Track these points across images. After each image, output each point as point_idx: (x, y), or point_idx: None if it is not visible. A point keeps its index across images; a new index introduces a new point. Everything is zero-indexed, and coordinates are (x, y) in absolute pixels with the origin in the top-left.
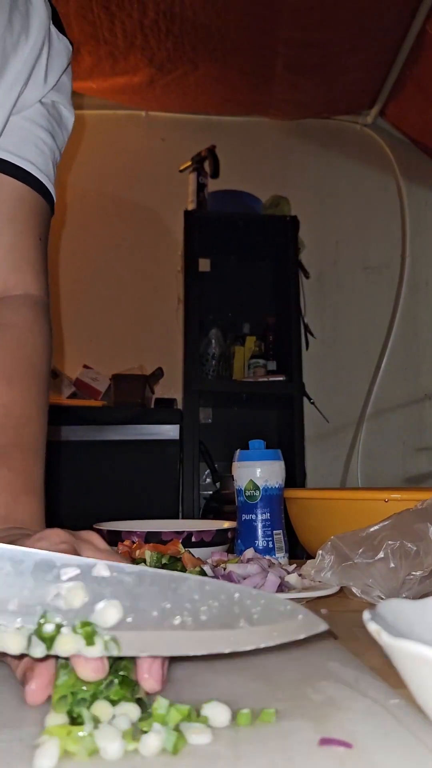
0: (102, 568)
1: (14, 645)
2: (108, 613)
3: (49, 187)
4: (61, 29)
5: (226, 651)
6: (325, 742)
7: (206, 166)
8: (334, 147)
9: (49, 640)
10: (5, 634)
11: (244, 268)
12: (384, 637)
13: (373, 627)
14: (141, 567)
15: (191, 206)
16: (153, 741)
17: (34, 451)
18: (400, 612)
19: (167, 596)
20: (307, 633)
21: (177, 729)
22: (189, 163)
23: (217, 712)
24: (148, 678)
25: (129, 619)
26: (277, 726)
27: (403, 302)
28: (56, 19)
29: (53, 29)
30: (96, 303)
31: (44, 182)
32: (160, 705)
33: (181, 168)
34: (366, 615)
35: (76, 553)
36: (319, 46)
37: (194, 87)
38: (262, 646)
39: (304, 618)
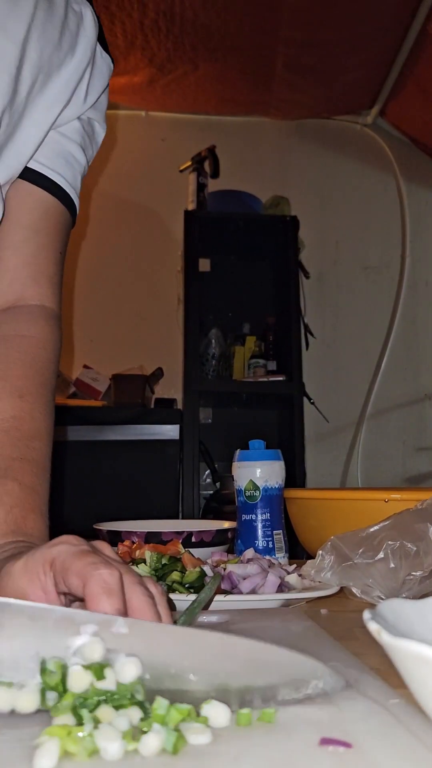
0: (121, 625)
1: (28, 703)
2: (127, 669)
3: (75, 201)
4: (105, 47)
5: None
6: (326, 741)
7: (206, 166)
8: (334, 147)
9: (59, 684)
10: (20, 693)
11: (244, 268)
12: (384, 637)
13: (373, 627)
14: (159, 625)
15: (191, 206)
16: (153, 741)
17: (43, 467)
18: (401, 612)
19: (185, 652)
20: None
21: (177, 729)
22: (189, 163)
23: (217, 713)
24: None
25: (147, 676)
26: (277, 726)
27: (403, 302)
28: (101, 37)
29: (98, 48)
30: (96, 303)
31: (71, 195)
32: (160, 705)
33: (181, 168)
34: (366, 614)
35: (94, 553)
36: (319, 46)
37: (194, 87)
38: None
39: (326, 679)
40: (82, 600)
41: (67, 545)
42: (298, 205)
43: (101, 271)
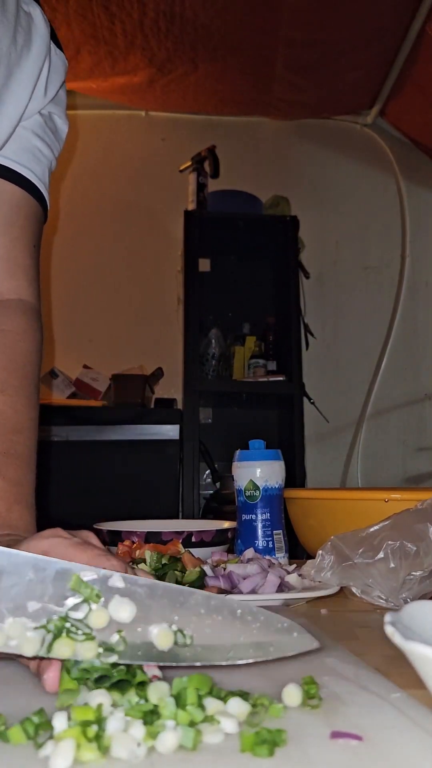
0: (117, 579)
1: (30, 648)
2: (122, 609)
3: (45, 195)
4: (58, 45)
5: (224, 663)
6: (336, 735)
7: (206, 166)
8: (334, 147)
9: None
10: (23, 638)
11: (244, 268)
12: (397, 639)
13: (389, 629)
14: (153, 580)
15: (191, 206)
16: (170, 738)
17: (27, 460)
18: (423, 615)
19: (175, 609)
20: (299, 650)
21: (192, 725)
22: (189, 163)
23: (235, 706)
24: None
25: (139, 629)
26: (287, 721)
27: (403, 302)
28: (54, 36)
29: (52, 45)
30: (96, 303)
31: (41, 190)
32: (167, 704)
33: (181, 168)
34: (387, 617)
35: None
36: (319, 46)
37: (194, 87)
38: (258, 660)
39: (298, 636)
40: None
41: (59, 538)
42: (298, 205)
43: (101, 271)
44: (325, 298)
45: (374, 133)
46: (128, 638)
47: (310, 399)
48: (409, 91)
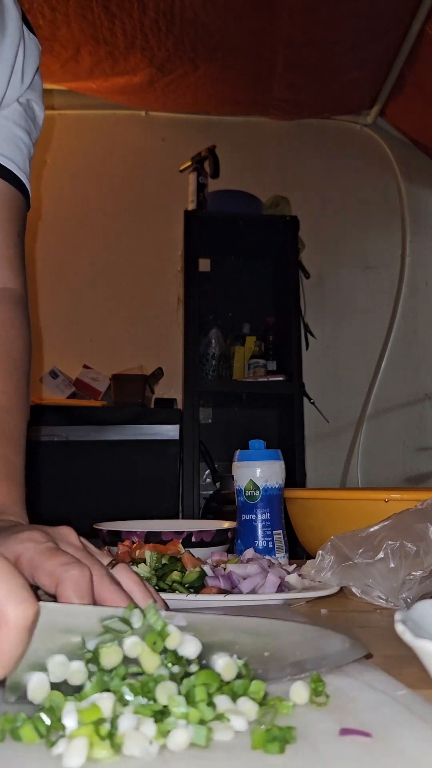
0: (180, 618)
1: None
2: (189, 647)
3: (27, 184)
4: (30, 28)
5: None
6: (346, 732)
7: (206, 166)
8: (334, 147)
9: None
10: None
11: (244, 268)
12: (407, 637)
13: (399, 627)
14: (213, 617)
15: (191, 206)
16: (182, 736)
17: (16, 440)
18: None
19: (236, 636)
20: (351, 659)
21: (203, 722)
22: (189, 163)
23: (244, 704)
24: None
25: (204, 661)
26: (295, 718)
27: (403, 302)
28: (25, 18)
29: (25, 28)
30: (96, 303)
31: (23, 179)
32: (178, 704)
33: (181, 168)
34: (397, 615)
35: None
36: (319, 45)
37: (194, 87)
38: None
39: (350, 646)
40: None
41: (33, 543)
42: (298, 205)
43: (101, 271)
44: (325, 298)
45: (374, 133)
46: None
47: (310, 399)
48: (409, 91)
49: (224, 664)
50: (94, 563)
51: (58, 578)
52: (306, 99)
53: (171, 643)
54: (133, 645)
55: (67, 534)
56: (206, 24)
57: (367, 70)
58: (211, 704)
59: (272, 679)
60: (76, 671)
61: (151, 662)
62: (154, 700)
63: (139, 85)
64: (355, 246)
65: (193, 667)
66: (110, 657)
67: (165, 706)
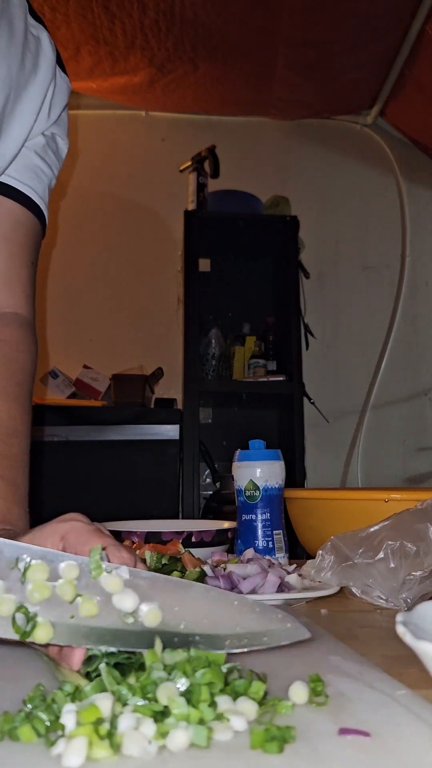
0: (123, 571)
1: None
2: (125, 599)
3: (44, 212)
4: (63, 68)
5: (220, 652)
6: (344, 731)
7: (206, 166)
8: (334, 147)
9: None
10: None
11: (244, 268)
12: (408, 639)
13: (400, 629)
14: (155, 574)
15: (191, 206)
16: (182, 736)
17: (22, 463)
18: None
19: (176, 599)
20: (292, 640)
21: (202, 722)
22: (189, 163)
23: (244, 705)
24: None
25: (139, 619)
26: (294, 718)
27: (403, 302)
28: (59, 60)
29: (57, 69)
30: (96, 303)
31: (41, 207)
32: (179, 705)
33: (181, 168)
34: (398, 617)
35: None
36: (319, 46)
37: (194, 87)
38: (252, 649)
39: (291, 626)
40: None
41: (80, 522)
42: (298, 205)
43: (101, 271)
44: (325, 298)
45: (374, 133)
46: (127, 626)
47: (310, 399)
48: (409, 91)
49: (147, 611)
50: (130, 555)
51: (108, 556)
52: (306, 99)
53: (112, 587)
54: (68, 566)
55: (104, 528)
56: (206, 24)
57: (367, 70)
58: (212, 704)
59: (209, 649)
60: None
61: (89, 605)
62: (155, 701)
63: (139, 85)
64: (355, 246)
65: (129, 620)
66: (36, 572)
67: (165, 706)
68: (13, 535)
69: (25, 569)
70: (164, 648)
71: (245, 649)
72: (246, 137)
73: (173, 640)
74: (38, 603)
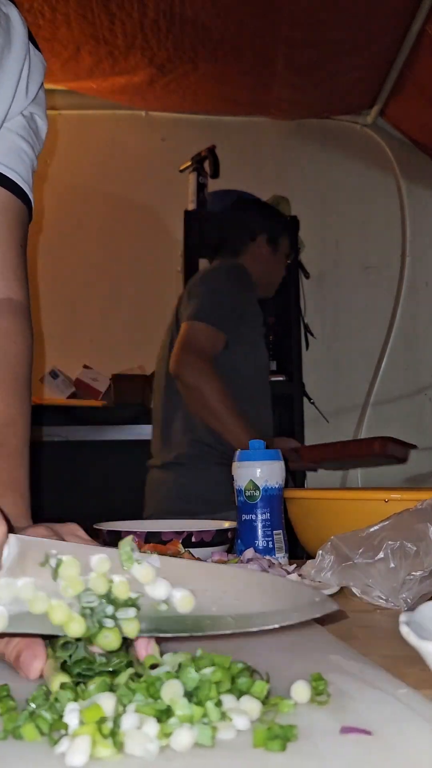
0: (154, 560)
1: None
2: (158, 587)
3: (30, 196)
4: (36, 46)
5: (254, 630)
6: (347, 730)
7: (206, 166)
8: (334, 147)
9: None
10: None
11: None
12: (412, 639)
13: (404, 629)
14: (185, 560)
15: (191, 206)
16: (186, 735)
17: (19, 452)
18: None
19: (208, 581)
20: (322, 613)
21: (207, 721)
22: (189, 163)
23: (248, 706)
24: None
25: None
26: (296, 717)
27: (403, 302)
28: (31, 36)
29: (31, 45)
30: (96, 303)
31: (26, 191)
32: (182, 706)
33: (181, 168)
34: (402, 617)
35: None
36: (319, 46)
37: (194, 87)
38: (285, 624)
39: (320, 600)
40: None
41: (43, 528)
42: (298, 205)
43: (101, 270)
44: (325, 298)
45: (374, 133)
46: (155, 612)
47: (310, 399)
48: (409, 91)
49: (180, 597)
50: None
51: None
52: (306, 99)
53: (144, 577)
54: (100, 560)
55: (75, 529)
56: (206, 24)
57: (367, 70)
58: (218, 703)
59: (241, 628)
60: (22, 586)
61: (122, 589)
62: (158, 699)
63: (139, 85)
64: (355, 246)
65: (163, 607)
66: (68, 568)
67: (168, 706)
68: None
69: (57, 565)
70: (192, 633)
71: (276, 625)
72: (246, 137)
73: (206, 622)
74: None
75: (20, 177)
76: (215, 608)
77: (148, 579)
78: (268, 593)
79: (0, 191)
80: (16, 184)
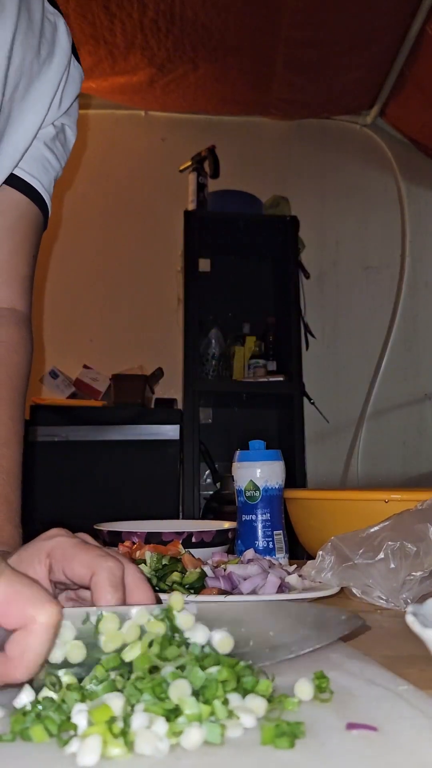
0: (192, 607)
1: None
2: (199, 633)
3: (48, 205)
4: (77, 57)
5: (290, 657)
6: (352, 726)
7: (206, 166)
8: (334, 147)
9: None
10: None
11: (244, 268)
12: (417, 627)
13: (409, 618)
14: (218, 600)
15: (191, 206)
16: (196, 734)
17: (14, 475)
18: None
19: (243, 620)
20: (351, 629)
21: (215, 719)
22: (189, 163)
23: (255, 704)
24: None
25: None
26: (301, 714)
27: (403, 302)
28: (74, 49)
29: (72, 58)
30: (96, 303)
31: (45, 199)
32: (190, 705)
33: (181, 168)
34: (409, 608)
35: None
36: (319, 45)
37: (194, 87)
38: (319, 646)
39: (346, 618)
40: (71, 589)
41: (63, 537)
42: (298, 205)
43: (101, 270)
44: (325, 298)
45: (374, 133)
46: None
47: (310, 399)
48: (409, 91)
49: (220, 639)
50: (116, 562)
51: (94, 568)
52: (306, 99)
53: (185, 624)
54: (139, 613)
55: (87, 537)
56: (206, 24)
57: (367, 70)
58: (225, 702)
59: (280, 658)
60: (74, 645)
61: (155, 627)
62: (166, 698)
63: (139, 84)
64: (355, 246)
65: (205, 650)
66: (108, 623)
67: (177, 705)
68: (5, 555)
69: (98, 621)
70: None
71: (311, 649)
72: (246, 137)
73: (245, 658)
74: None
75: (42, 185)
76: (252, 643)
77: (188, 625)
78: (300, 619)
79: (20, 198)
80: (37, 191)
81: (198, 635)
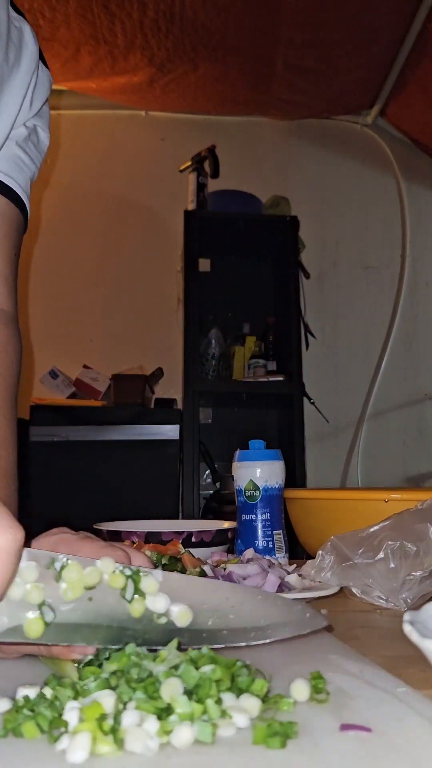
0: (158, 574)
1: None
2: (158, 601)
3: (26, 204)
4: (45, 64)
5: (244, 645)
6: (346, 727)
7: (206, 166)
8: (334, 147)
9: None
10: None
11: (244, 268)
12: (414, 637)
13: (407, 628)
14: (184, 576)
15: (191, 206)
16: (186, 733)
17: (11, 475)
18: None
19: (205, 596)
20: (312, 629)
21: (207, 718)
22: (189, 163)
23: (249, 704)
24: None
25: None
26: (296, 715)
27: (403, 302)
28: (41, 55)
29: (40, 63)
30: (96, 303)
31: (23, 199)
32: (182, 704)
33: (181, 168)
34: (406, 616)
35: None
36: (319, 46)
37: (194, 87)
38: (276, 639)
39: (311, 616)
40: None
41: (65, 534)
42: (298, 205)
43: (101, 270)
44: (325, 298)
45: (374, 133)
46: (154, 626)
47: (310, 399)
48: (409, 90)
49: (179, 611)
50: (123, 553)
51: (100, 557)
52: (306, 99)
53: (149, 589)
54: (104, 561)
55: (90, 535)
56: (206, 24)
57: (367, 70)
58: (218, 701)
59: (235, 642)
60: (34, 587)
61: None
62: (158, 697)
63: (139, 84)
64: (355, 246)
65: (163, 620)
66: (71, 572)
67: (169, 703)
68: None
69: (61, 569)
70: (187, 646)
71: (268, 640)
72: (246, 137)
73: (202, 635)
74: (71, 601)
75: (18, 185)
76: (211, 622)
77: (151, 590)
78: (264, 608)
79: None
80: (14, 191)
81: (158, 603)
